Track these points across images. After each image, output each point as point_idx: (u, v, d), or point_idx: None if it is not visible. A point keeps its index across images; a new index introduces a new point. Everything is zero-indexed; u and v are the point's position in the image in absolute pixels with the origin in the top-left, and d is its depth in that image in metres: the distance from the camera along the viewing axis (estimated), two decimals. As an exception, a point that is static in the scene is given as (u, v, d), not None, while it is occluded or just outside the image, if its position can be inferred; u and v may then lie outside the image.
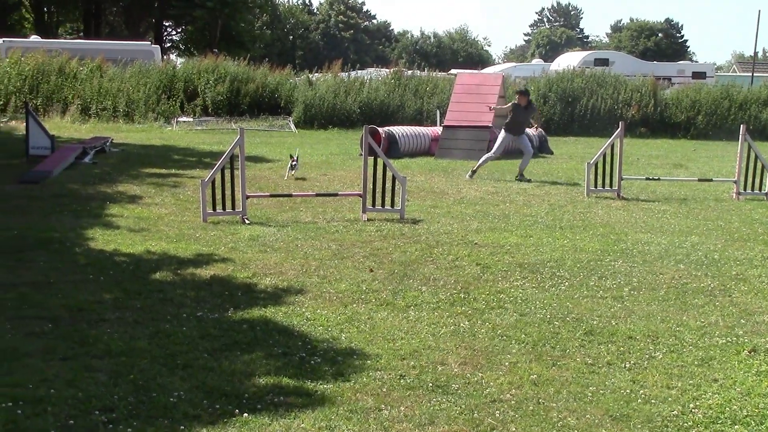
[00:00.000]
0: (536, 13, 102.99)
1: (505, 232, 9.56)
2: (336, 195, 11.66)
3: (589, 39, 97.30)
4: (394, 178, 10.42)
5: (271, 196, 11.30)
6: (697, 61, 75.59)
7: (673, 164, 18.72)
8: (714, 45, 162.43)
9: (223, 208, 9.90)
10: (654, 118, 29.57)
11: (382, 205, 10.39)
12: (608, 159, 12.73)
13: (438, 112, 23.68)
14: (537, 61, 58.32)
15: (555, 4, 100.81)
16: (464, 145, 18.92)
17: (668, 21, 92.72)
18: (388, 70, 31.69)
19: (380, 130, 18.71)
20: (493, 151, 15.18)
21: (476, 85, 20.63)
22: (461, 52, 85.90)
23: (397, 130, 19.47)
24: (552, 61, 51.22)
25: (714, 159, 20.32)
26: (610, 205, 11.92)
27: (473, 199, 12.20)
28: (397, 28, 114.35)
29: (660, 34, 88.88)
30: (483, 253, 8.41)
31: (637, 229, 10.02)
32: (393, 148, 18.38)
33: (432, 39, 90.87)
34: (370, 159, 10.32)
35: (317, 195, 11.51)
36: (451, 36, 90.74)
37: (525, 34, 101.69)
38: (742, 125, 13.43)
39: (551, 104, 29.40)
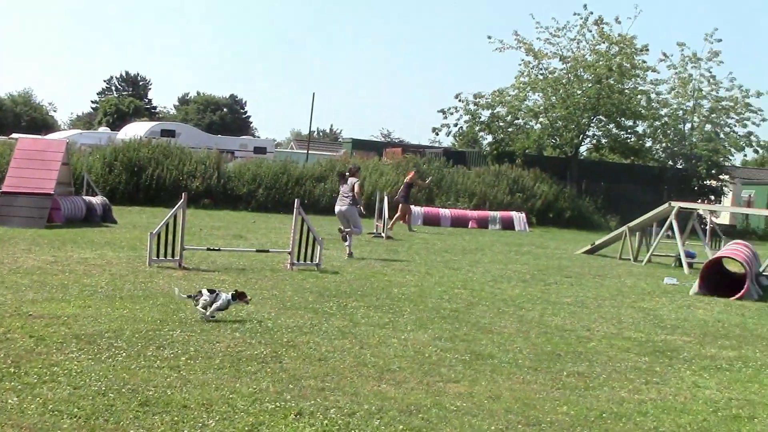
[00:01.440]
0: (104, 81, 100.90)
1: (62, 303, 9.25)
2: None
3: (157, 110, 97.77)
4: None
5: None
6: (259, 137, 79.46)
7: (233, 235, 19.43)
8: (274, 122, 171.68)
9: None
10: (217, 190, 30.51)
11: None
12: (171, 229, 12.91)
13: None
14: (104, 129, 57.41)
15: (123, 74, 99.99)
16: (24, 212, 18.06)
17: (233, 97, 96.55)
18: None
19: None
20: (360, 227, 16.64)
21: (39, 150, 19.89)
22: (24, 116, 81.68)
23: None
24: (119, 130, 50.73)
25: (272, 231, 21.44)
26: (171, 275, 12.05)
27: (30, 269, 11.65)
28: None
29: (225, 109, 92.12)
30: (38, 324, 8.06)
31: (197, 298, 10.25)
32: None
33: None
34: None
35: None
36: (14, 99, 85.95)
37: (92, 102, 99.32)
38: (296, 199, 14.40)
39: (117, 173, 29.18)
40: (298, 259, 13.79)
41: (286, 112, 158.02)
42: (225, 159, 33.56)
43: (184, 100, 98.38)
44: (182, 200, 13.07)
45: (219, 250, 14.88)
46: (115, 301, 9.65)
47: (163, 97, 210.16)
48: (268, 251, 15.25)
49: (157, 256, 12.88)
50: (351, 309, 10.30)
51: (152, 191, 29.25)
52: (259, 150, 49.74)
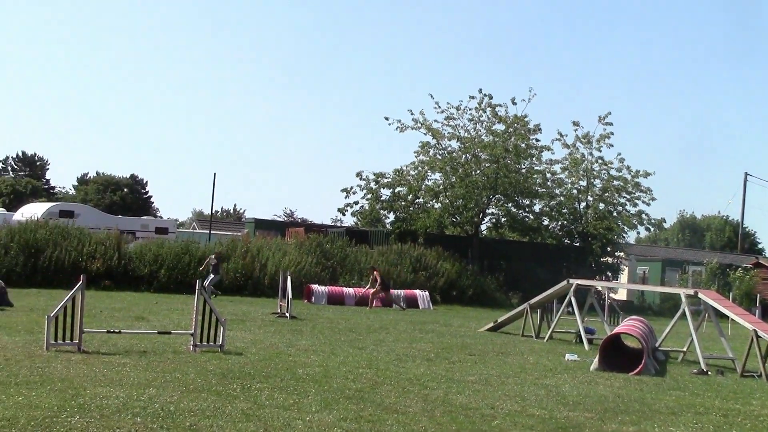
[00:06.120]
0: (1, 161, 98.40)
1: (-47, 392, 8.92)
2: None
3: (56, 190, 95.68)
4: None
5: None
6: (161, 217, 78.45)
7: (135, 317, 19.05)
8: (176, 202, 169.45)
9: None
10: (118, 271, 29.92)
11: None
12: (69, 311, 12.60)
13: None
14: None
15: (20, 154, 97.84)
16: None
17: (133, 177, 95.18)
18: None
19: None
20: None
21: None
22: None
23: None
24: (15, 211, 49.54)
25: (174, 312, 21.10)
26: (70, 359, 11.74)
27: None
28: None
29: (126, 189, 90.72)
30: (-74, 415, 7.74)
31: (96, 382, 9.99)
32: None
33: None
34: None
35: None
36: None
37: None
38: (198, 280, 14.25)
39: (13, 255, 28.40)
40: (200, 341, 13.60)
41: (188, 192, 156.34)
42: (126, 240, 33.02)
43: (83, 180, 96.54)
44: (81, 282, 12.80)
45: (120, 332, 14.54)
46: (10, 387, 9.34)
47: (61, 177, 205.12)
48: (170, 333, 14.97)
49: (55, 340, 12.54)
50: (255, 391, 10.20)
51: (50, 273, 28.53)
52: (161, 230, 49.11)
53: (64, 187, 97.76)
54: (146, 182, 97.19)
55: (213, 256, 28.84)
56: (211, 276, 28.05)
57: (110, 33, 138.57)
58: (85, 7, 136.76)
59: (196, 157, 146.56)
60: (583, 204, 44.37)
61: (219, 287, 29.00)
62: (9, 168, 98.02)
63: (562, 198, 43.80)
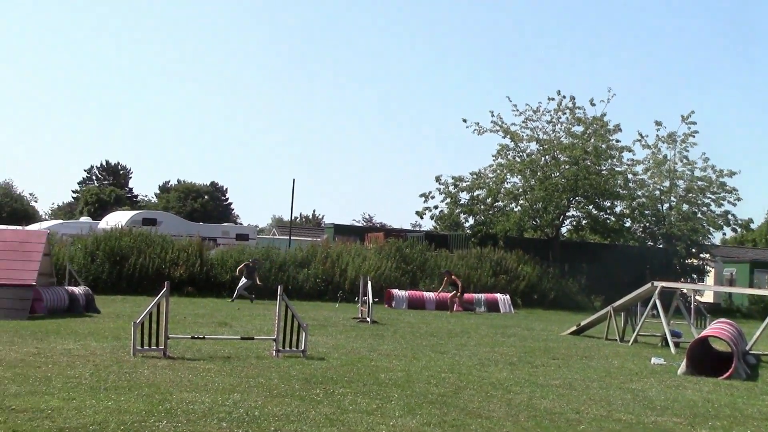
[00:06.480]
0: (85, 171, 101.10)
1: (46, 396, 9.11)
2: None
3: (138, 198, 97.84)
4: None
5: None
6: (241, 223, 79.53)
7: (218, 323, 19.30)
8: (256, 208, 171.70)
9: None
10: (200, 278, 30.40)
11: None
12: (154, 318, 12.82)
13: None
14: (85, 218, 57.44)
15: (104, 163, 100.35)
16: (5, 304, 18.02)
17: (213, 184, 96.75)
18: None
19: None
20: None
21: (19, 242, 19.84)
22: (5, 208, 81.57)
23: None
24: (101, 219, 50.79)
25: (257, 317, 21.32)
26: (156, 365, 11.92)
27: (12, 362, 11.49)
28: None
29: (206, 196, 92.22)
30: (21, 418, 7.92)
31: (182, 388, 10.11)
32: None
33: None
34: None
35: None
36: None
37: (74, 192, 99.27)
38: (279, 286, 14.34)
39: (99, 263, 29.13)
40: (283, 346, 13.67)
41: (268, 198, 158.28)
42: (207, 246, 33.56)
43: (164, 188, 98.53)
44: (165, 288, 13.00)
45: (204, 338, 14.74)
46: (100, 392, 9.52)
47: (143, 185, 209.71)
48: (253, 338, 15.12)
49: (141, 346, 12.75)
50: (338, 396, 10.20)
51: (135, 280, 29.17)
52: (242, 237, 49.72)
53: (146, 195, 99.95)
54: (226, 189, 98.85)
55: (250, 261, 28.79)
56: (244, 280, 28.23)
57: (190, 43, 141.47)
58: (162, 19, 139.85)
59: (275, 164, 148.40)
60: (666, 205, 43.43)
61: (250, 291, 28.54)
62: (94, 177, 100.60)
63: (644, 199, 42.93)
